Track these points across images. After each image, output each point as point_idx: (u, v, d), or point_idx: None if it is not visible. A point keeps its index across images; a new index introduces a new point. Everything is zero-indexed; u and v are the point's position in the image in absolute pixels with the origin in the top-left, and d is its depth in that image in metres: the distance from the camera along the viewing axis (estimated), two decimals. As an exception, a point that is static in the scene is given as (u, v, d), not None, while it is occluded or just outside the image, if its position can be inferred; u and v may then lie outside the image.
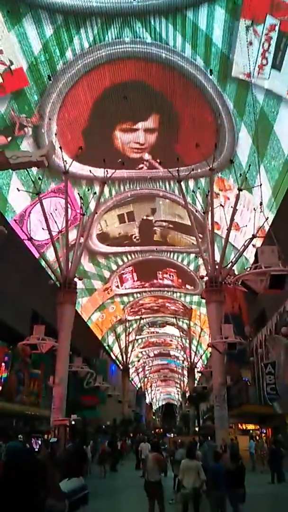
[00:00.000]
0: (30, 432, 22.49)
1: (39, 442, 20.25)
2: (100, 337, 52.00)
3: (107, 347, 53.81)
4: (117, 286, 48.36)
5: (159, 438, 24.20)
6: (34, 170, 23.53)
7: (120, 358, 55.21)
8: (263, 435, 29.63)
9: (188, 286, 48.93)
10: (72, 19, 21.45)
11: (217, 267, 22.91)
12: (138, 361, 77.33)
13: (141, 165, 30.99)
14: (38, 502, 2.25)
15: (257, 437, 28.83)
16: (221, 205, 25.91)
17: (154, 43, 23.16)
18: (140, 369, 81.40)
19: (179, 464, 11.18)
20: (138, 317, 57.33)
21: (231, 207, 23.31)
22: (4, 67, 21.17)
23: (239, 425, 31.04)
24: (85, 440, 25.36)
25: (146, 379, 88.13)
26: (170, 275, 48.01)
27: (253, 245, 23.10)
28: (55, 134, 25.84)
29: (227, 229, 23.66)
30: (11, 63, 21.15)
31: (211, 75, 23.47)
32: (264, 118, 23.18)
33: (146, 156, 30.22)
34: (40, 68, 22.83)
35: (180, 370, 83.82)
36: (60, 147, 23.23)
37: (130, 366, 58.84)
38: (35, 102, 24.10)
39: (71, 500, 4.01)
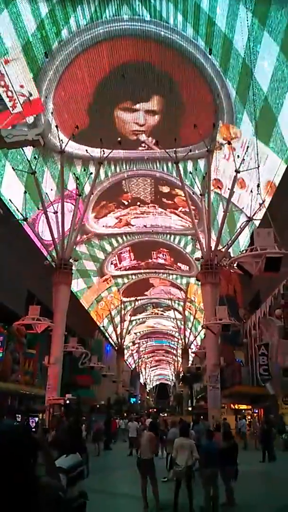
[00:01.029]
0: (26, 411, 22.72)
1: (35, 420, 20.46)
2: (99, 323, 52.58)
3: (102, 328, 54.10)
4: (115, 265, 48.22)
5: (154, 418, 24.68)
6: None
7: (115, 339, 55.54)
8: (255, 415, 30.11)
9: (183, 267, 49.05)
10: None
11: (212, 249, 22.93)
12: (133, 343, 77.91)
13: (142, 146, 30.66)
14: (30, 479, 2.24)
15: (249, 417, 29.33)
16: (218, 187, 25.78)
17: (153, 21, 22.75)
18: (135, 350, 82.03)
19: (171, 443, 11.34)
20: (133, 298, 57.51)
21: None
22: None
23: (232, 405, 31.50)
24: (80, 419, 25.67)
25: (140, 360, 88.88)
26: (163, 254, 48.02)
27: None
28: (51, 113, 25.50)
29: (223, 211, 23.63)
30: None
31: (210, 54, 23.12)
32: (266, 103, 22.94)
33: (144, 137, 29.93)
34: (36, 45, 22.40)
35: (174, 351, 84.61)
36: (56, 126, 22.96)
37: (125, 347, 59.20)
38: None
39: (69, 476, 4.09)
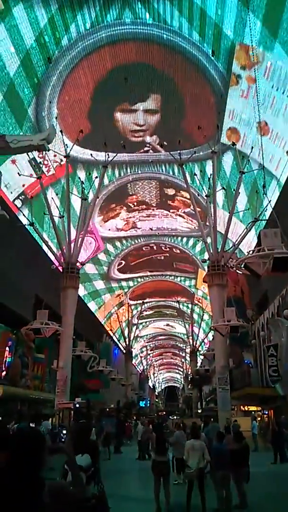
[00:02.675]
0: (37, 416, 22.74)
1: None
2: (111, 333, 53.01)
3: (110, 332, 54.12)
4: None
5: (163, 420, 24.76)
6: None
7: (123, 343, 55.49)
8: (265, 416, 29.93)
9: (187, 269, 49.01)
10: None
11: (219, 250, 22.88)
12: (142, 350, 78.02)
13: (146, 148, 30.69)
14: (36, 477, 2.42)
15: (259, 418, 29.14)
16: (223, 188, 25.69)
17: (155, 24, 22.79)
18: (144, 353, 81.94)
19: (176, 446, 11.31)
20: (140, 301, 57.51)
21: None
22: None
23: (241, 407, 31.33)
24: (90, 423, 25.64)
25: (149, 363, 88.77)
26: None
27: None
28: (56, 118, 25.61)
29: (229, 213, 23.58)
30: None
31: (213, 56, 23.11)
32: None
33: (148, 139, 29.94)
34: (40, 50, 22.51)
35: (183, 353, 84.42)
36: (61, 131, 23.05)
37: (133, 353, 59.14)
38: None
39: (87, 475, 4.15)
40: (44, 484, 2.37)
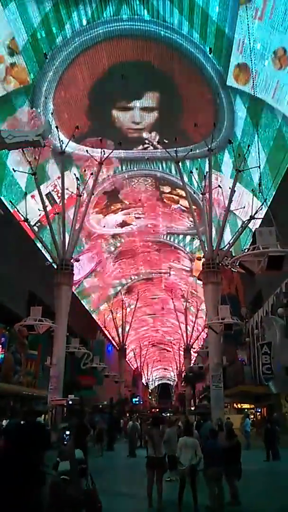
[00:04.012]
0: (30, 412, 22.66)
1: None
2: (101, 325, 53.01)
3: (104, 328, 54.07)
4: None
5: (160, 417, 24.99)
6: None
7: (117, 339, 55.44)
8: (258, 414, 30.05)
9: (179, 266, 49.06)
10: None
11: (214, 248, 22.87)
12: (135, 348, 78.03)
13: (144, 145, 30.62)
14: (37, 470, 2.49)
15: (252, 416, 29.26)
16: (218, 186, 25.70)
17: (152, 21, 22.72)
18: (137, 350, 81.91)
19: (168, 443, 11.29)
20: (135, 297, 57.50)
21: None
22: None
23: (235, 405, 31.44)
24: (83, 419, 25.62)
25: (141, 359, 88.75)
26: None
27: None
28: (51, 113, 25.48)
29: (224, 211, 23.57)
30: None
31: (210, 53, 23.07)
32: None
33: (145, 136, 29.87)
34: (36, 46, 22.38)
35: (177, 351, 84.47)
36: (57, 127, 22.94)
37: (126, 346, 59.03)
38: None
39: (80, 467, 4.17)
40: (44, 479, 2.37)
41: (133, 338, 73.06)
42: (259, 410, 30.14)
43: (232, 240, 23.75)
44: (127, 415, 43.21)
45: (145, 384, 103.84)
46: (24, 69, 23.13)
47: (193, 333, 55.91)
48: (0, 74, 22.76)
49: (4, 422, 18.56)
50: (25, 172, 24.20)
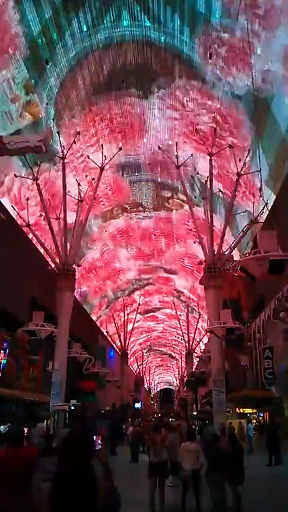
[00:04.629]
0: (32, 418, 22.65)
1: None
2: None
3: (106, 333, 54.02)
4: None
5: (158, 422, 25.00)
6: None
7: (118, 343, 55.38)
8: (260, 418, 29.92)
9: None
10: (70, 1, 21.15)
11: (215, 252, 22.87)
12: (137, 352, 77.90)
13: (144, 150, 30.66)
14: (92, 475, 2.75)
15: (254, 421, 29.15)
16: (220, 190, 25.72)
17: (152, 26, 22.87)
18: (139, 353, 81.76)
19: (170, 449, 11.27)
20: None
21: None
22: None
23: (237, 409, 31.32)
24: (85, 425, 25.56)
25: (143, 365, 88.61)
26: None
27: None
28: (53, 119, 25.60)
29: (225, 215, 23.59)
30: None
31: (210, 59, 23.20)
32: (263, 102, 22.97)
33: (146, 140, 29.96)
34: (38, 52, 22.53)
35: (178, 356, 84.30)
36: (58, 132, 23.03)
37: (128, 352, 58.97)
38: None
39: None
40: (97, 486, 2.52)
41: (135, 342, 73.04)
42: (262, 415, 30.02)
43: (233, 244, 23.76)
44: (130, 420, 43.13)
45: (147, 389, 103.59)
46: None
47: (195, 338, 55.85)
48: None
49: (2, 428, 18.62)
50: (27, 178, 24.30)
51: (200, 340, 55.44)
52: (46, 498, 2.88)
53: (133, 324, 56.96)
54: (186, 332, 57.08)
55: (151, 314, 69.10)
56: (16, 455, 4.61)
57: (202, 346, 55.90)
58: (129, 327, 56.19)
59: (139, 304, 57.94)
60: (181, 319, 58.80)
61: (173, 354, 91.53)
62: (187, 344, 56.81)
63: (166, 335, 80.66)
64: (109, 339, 55.36)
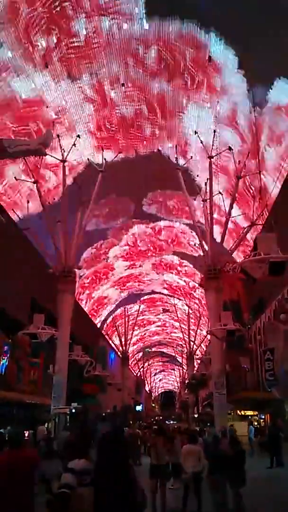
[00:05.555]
0: (33, 421, 22.62)
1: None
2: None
3: (106, 336, 53.99)
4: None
5: (159, 425, 24.99)
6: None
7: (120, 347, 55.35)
8: (261, 420, 29.90)
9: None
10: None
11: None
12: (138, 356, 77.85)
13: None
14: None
15: (256, 423, 29.13)
16: (219, 192, 25.75)
17: (152, 28, 22.88)
18: (139, 359, 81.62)
19: (172, 451, 11.28)
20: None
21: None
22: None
23: (238, 411, 31.29)
24: (86, 428, 25.51)
25: (145, 367, 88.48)
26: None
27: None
28: (53, 122, 25.61)
29: (225, 217, 23.62)
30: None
31: (209, 62, 23.27)
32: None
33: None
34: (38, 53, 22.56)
35: (179, 358, 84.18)
36: (58, 135, 23.07)
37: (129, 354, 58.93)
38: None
39: (79, 480, 4.12)
40: (137, 486, 2.62)
41: (136, 345, 72.95)
42: (263, 417, 29.99)
43: (233, 246, 23.79)
44: (131, 423, 43.09)
45: (148, 391, 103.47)
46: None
47: (196, 340, 55.83)
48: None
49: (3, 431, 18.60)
50: (27, 181, 24.35)
51: (201, 342, 55.39)
52: (88, 503, 2.95)
53: (134, 326, 57.02)
54: (187, 334, 57.10)
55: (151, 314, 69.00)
56: (17, 458, 4.62)
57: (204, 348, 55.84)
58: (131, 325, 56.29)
59: (140, 306, 57.94)
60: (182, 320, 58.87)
61: (174, 355, 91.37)
62: (188, 347, 56.80)
63: (168, 336, 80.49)
64: (110, 342, 55.34)
